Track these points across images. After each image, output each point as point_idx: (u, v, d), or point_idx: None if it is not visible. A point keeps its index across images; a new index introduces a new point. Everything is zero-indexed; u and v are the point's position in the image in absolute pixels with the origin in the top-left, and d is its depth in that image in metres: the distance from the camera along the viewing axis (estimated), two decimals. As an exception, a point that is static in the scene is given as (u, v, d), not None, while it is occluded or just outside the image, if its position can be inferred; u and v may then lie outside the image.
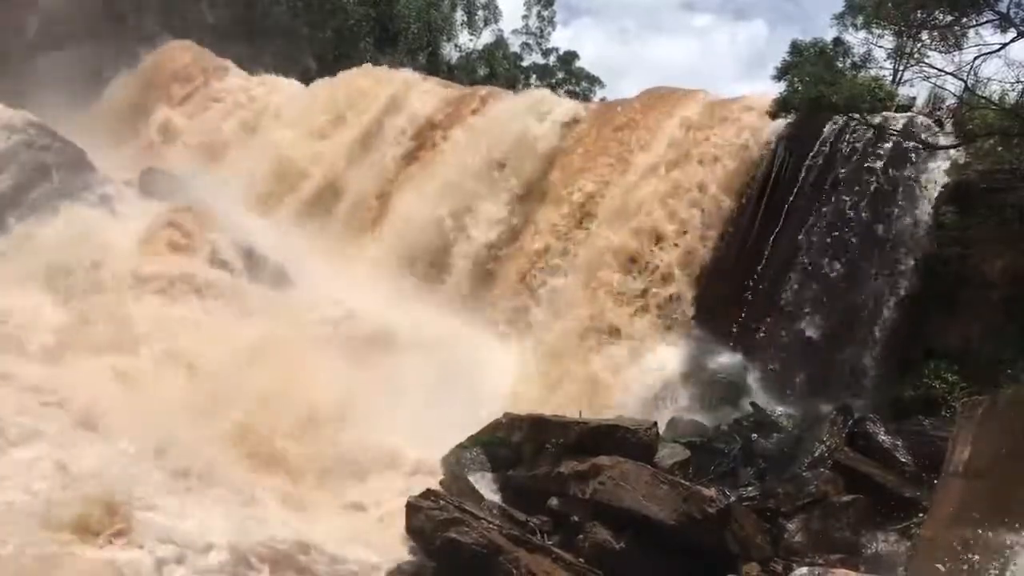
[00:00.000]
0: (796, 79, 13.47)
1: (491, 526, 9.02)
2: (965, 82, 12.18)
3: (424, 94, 20.75)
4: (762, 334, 13.31)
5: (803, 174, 13.86)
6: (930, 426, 10.49)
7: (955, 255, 12.33)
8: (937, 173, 13.04)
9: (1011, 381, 10.01)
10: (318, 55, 28.03)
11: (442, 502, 9.19)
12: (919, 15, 12.37)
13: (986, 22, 11.82)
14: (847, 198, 13.41)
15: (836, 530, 9.39)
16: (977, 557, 6.32)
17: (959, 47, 12.12)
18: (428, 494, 9.38)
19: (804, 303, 13.12)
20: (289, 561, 9.24)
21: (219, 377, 12.11)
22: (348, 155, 20.27)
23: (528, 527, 9.43)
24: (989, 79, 12.32)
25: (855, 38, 14.63)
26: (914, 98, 14.91)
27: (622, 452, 9.65)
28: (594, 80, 36.03)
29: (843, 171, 13.55)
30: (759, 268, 13.71)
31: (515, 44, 36.12)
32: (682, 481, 9.39)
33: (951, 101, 13.66)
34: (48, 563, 7.90)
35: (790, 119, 14.16)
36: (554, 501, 9.68)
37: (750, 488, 10.41)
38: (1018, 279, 11.56)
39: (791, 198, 13.85)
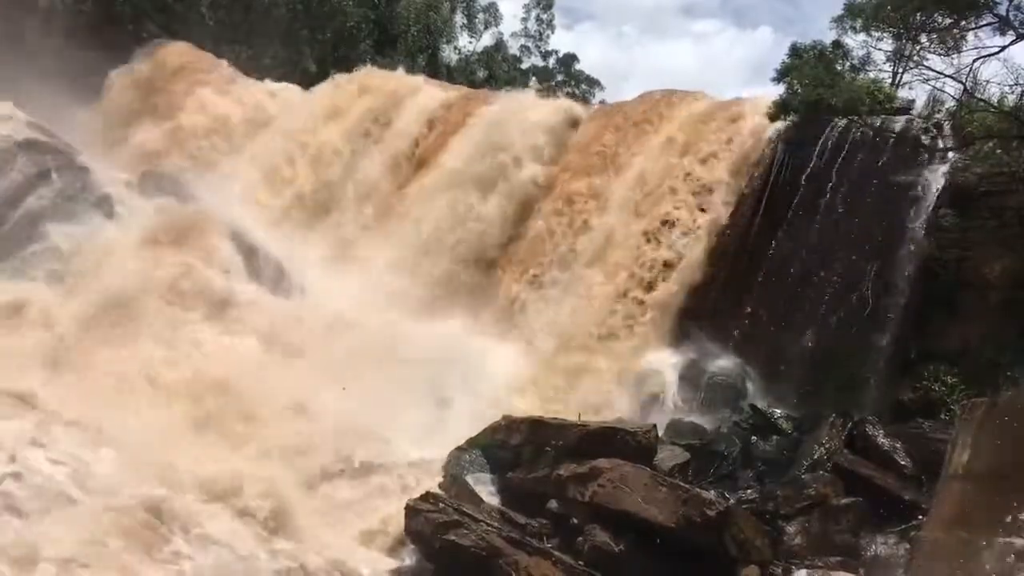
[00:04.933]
0: (795, 81, 13.48)
1: (490, 529, 9.02)
2: (964, 85, 12.19)
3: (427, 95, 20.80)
4: (762, 336, 13.30)
5: (803, 176, 13.85)
6: (929, 428, 10.51)
7: (954, 258, 12.33)
8: (936, 176, 13.03)
9: (1011, 383, 10.03)
10: (317, 57, 28.00)
11: (441, 505, 9.21)
12: (918, 18, 12.37)
13: (985, 25, 11.84)
14: (846, 200, 13.41)
15: (835, 533, 9.40)
16: (977, 559, 6.32)
17: (958, 50, 12.14)
18: (427, 497, 9.39)
19: (803, 305, 13.10)
20: (287, 564, 9.25)
21: (221, 385, 12.10)
22: (348, 153, 20.27)
23: (527, 530, 9.43)
24: (988, 82, 12.33)
25: (854, 41, 14.62)
26: (913, 101, 14.89)
27: (621, 455, 9.66)
28: (594, 82, 36.04)
29: (842, 173, 13.54)
30: (758, 271, 13.70)
31: (514, 47, 36.15)
32: (681, 484, 9.40)
33: (950, 104, 13.64)
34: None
35: (790, 121, 14.16)
36: (553, 504, 9.69)
37: (749, 491, 10.42)
38: (1017, 282, 11.57)
39: (791, 200, 13.84)
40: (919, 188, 13.05)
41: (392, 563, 9.59)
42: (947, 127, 13.64)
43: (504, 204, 17.43)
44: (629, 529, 8.92)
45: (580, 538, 9.12)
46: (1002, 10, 11.56)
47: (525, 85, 33.51)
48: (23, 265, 14.88)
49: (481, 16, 34.68)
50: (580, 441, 10.02)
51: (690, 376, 13.30)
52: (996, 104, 12.18)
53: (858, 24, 13.30)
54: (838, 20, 14.42)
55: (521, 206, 17.49)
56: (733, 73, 62.17)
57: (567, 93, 32.55)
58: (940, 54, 12.38)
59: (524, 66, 36.09)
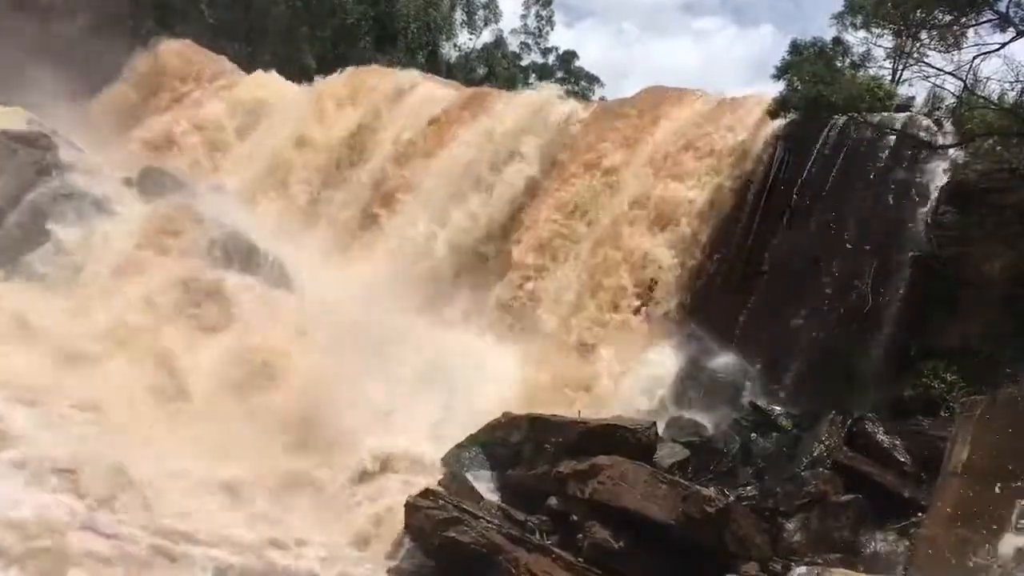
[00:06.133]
0: (795, 78, 13.47)
1: (490, 525, 9.04)
2: (964, 81, 12.19)
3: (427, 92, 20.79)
4: (762, 334, 13.29)
5: (803, 173, 13.84)
6: (929, 426, 10.51)
7: (954, 255, 12.31)
8: (936, 173, 13.02)
9: (1010, 380, 10.01)
10: (317, 55, 27.98)
11: (441, 501, 9.22)
12: (918, 14, 12.37)
13: (985, 21, 11.84)
14: (846, 198, 13.40)
15: (835, 529, 9.40)
16: (976, 556, 6.33)
17: (958, 46, 12.13)
18: (427, 493, 9.40)
19: (803, 303, 13.10)
20: (287, 560, 9.28)
21: (218, 381, 12.11)
22: (347, 151, 20.25)
23: (527, 526, 9.44)
24: (988, 79, 12.34)
25: (854, 37, 14.63)
26: (913, 97, 14.92)
27: (621, 452, 9.66)
28: (593, 79, 36.03)
29: (842, 171, 13.53)
30: (758, 268, 13.70)
31: (514, 44, 36.14)
32: (681, 481, 9.41)
33: (950, 101, 13.65)
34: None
35: (790, 118, 14.14)
36: (553, 501, 9.69)
37: (749, 488, 10.42)
38: (1017, 279, 11.55)
39: (791, 197, 13.84)
40: (919, 185, 13.04)
41: (392, 560, 9.61)
42: (947, 124, 13.64)
43: (501, 202, 17.42)
44: (629, 526, 8.92)
45: (580, 535, 9.13)
46: (1002, 7, 11.58)
47: (525, 82, 33.58)
48: (22, 262, 14.87)
49: (481, 13, 34.67)
50: (580, 438, 10.03)
51: (690, 373, 13.30)
52: (996, 101, 12.19)
53: (858, 21, 13.33)
54: (838, 17, 14.48)
55: (520, 202, 17.49)
56: (734, 71, 62.16)
57: (567, 91, 32.62)
58: (940, 51, 12.39)
59: (524, 63, 36.09)
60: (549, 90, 19.96)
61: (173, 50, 24.27)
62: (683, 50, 65.11)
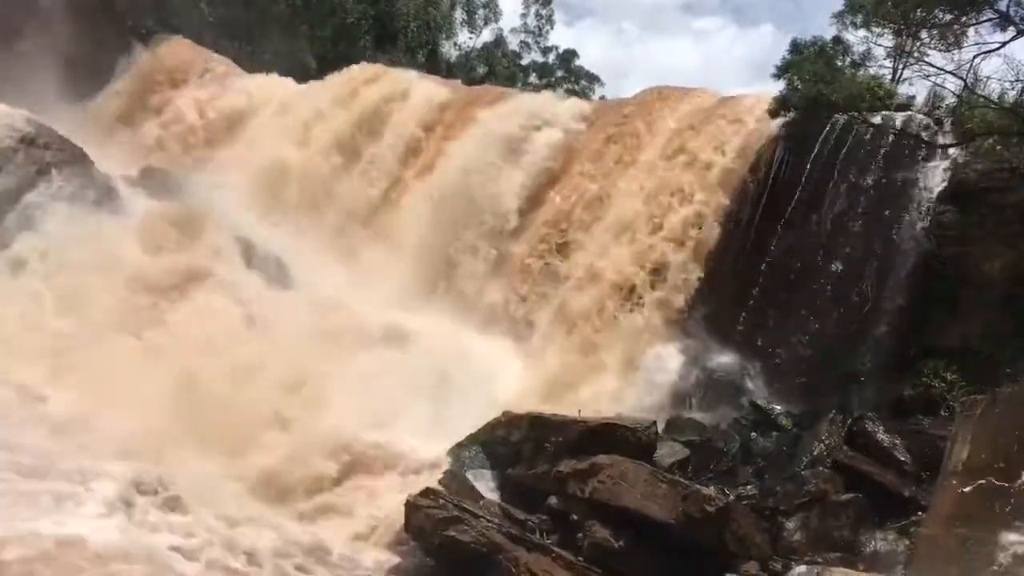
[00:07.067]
0: (795, 77, 13.46)
1: (490, 525, 9.05)
2: (965, 81, 12.19)
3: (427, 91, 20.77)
4: (762, 333, 13.30)
5: (803, 173, 13.83)
6: (929, 425, 10.54)
7: (954, 254, 12.32)
8: (936, 172, 13.02)
9: (1010, 380, 10.02)
10: (317, 53, 27.98)
11: (441, 501, 9.22)
12: (919, 13, 12.37)
13: (986, 20, 11.83)
14: (847, 197, 13.40)
15: (835, 529, 9.42)
16: (976, 556, 6.33)
17: (959, 46, 12.13)
18: (427, 493, 9.41)
19: (804, 302, 13.11)
20: (287, 558, 9.28)
21: (219, 380, 12.10)
22: (347, 147, 20.24)
23: (527, 526, 9.46)
24: (989, 78, 12.35)
25: (855, 37, 14.63)
26: (913, 97, 14.90)
27: (621, 451, 9.68)
28: (593, 78, 35.99)
29: (843, 170, 13.53)
30: (759, 267, 13.69)
31: (513, 43, 36.10)
32: (681, 480, 9.42)
33: (951, 100, 13.64)
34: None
35: (790, 118, 14.14)
36: (553, 500, 9.71)
37: (749, 487, 10.45)
38: (1017, 278, 11.56)
39: (791, 197, 13.83)
40: (919, 185, 13.04)
41: (393, 559, 9.62)
42: (947, 123, 13.64)
43: (503, 202, 17.40)
44: (629, 525, 8.94)
45: (580, 534, 9.14)
46: (1003, 6, 11.57)
47: (525, 81, 33.56)
48: (21, 262, 14.86)
49: (481, 12, 34.62)
50: (580, 437, 10.04)
51: (691, 372, 13.30)
52: (997, 100, 12.19)
53: (859, 20, 13.31)
54: (839, 16, 14.46)
55: (521, 203, 17.47)
56: (734, 71, 62.05)
57: (567, 89, 32.64)
58: (941, 50, 12.40)
59: (524, 62, 36.05)
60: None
61: (173, 48, 24.28)
62: (683, 50, 65.02)
